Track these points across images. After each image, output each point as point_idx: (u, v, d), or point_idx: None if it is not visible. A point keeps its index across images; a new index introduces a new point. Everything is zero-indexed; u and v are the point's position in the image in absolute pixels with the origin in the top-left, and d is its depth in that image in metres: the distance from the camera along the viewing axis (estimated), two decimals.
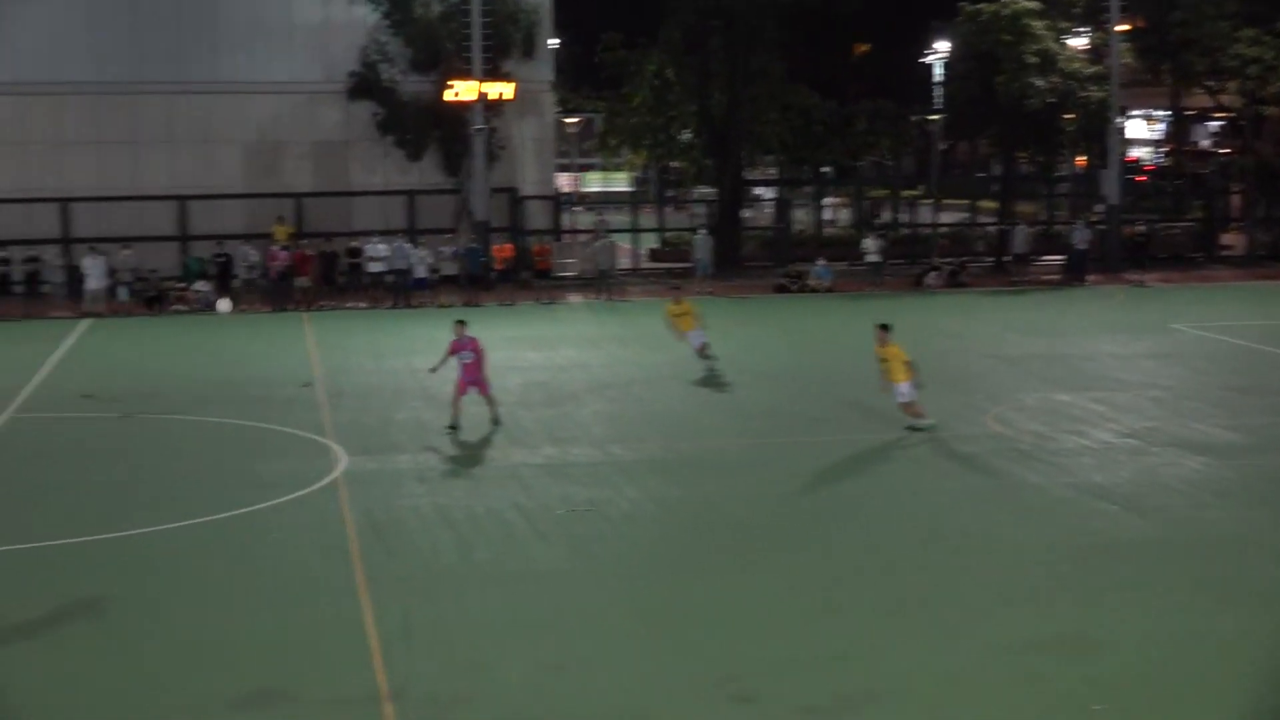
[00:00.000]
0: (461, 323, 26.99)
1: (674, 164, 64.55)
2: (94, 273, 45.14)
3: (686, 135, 59.98)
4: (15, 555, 19.18)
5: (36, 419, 28.33)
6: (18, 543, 19.64)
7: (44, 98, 50.11)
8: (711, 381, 31.21)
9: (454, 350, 26.68)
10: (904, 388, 25.67)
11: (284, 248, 47.23)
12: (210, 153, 51.60)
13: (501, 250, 49.72)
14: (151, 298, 46.06)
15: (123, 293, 45.99)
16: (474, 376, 26.56)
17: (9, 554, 19.20)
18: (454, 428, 26.25)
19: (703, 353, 31.91)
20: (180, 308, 45.76)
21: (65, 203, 50.13)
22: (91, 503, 21.88)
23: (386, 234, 48.55)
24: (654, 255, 58.20)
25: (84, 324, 42.79)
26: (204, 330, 41.52)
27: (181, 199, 50.96)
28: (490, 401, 26.92)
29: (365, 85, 51.55)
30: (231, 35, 51.26)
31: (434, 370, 27.61)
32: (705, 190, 61.09)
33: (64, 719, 13.74)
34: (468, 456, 24.53)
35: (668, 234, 60.64)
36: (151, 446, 25.98)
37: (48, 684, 14.59)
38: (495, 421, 26.74)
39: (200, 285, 46.43)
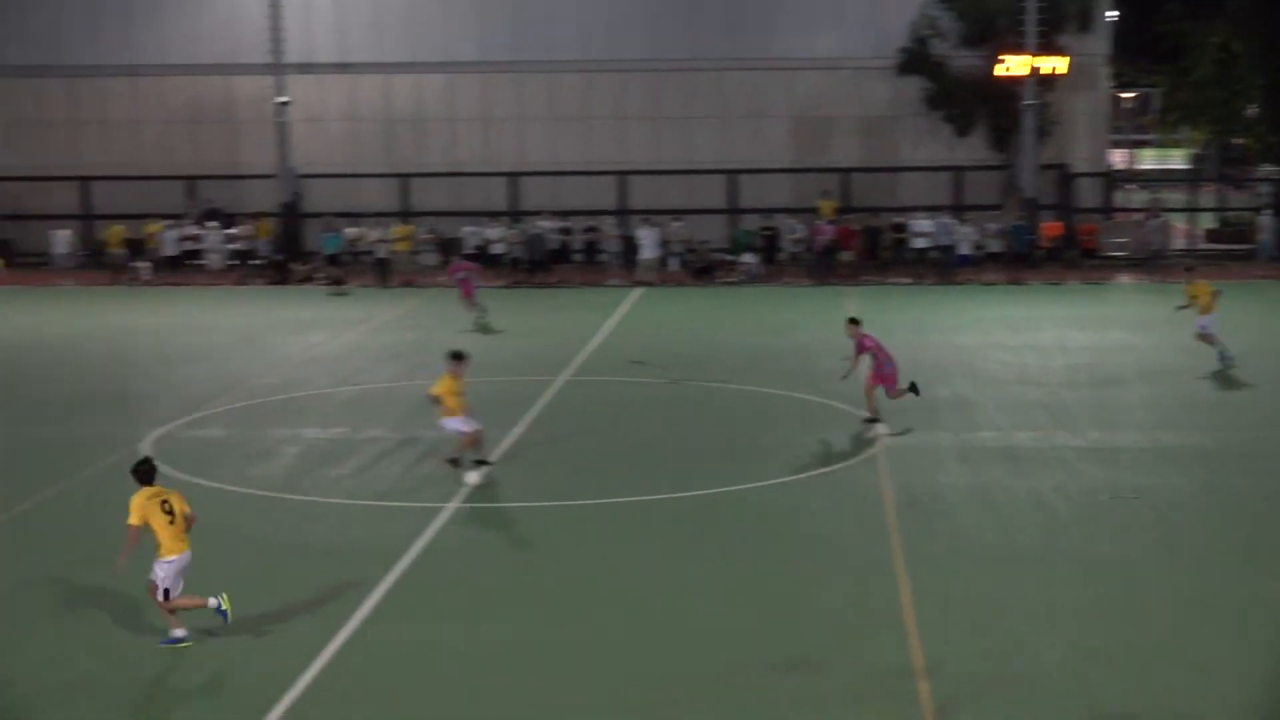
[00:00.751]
0: (853, 321, 25.40)
1: (1237, 140, 61.38)
2: (648, 243, 47.02)
3: (1252, 110, 56.85)
4: (556, 511, 20.19)
5: (590, 382, 29.71)
6: (560, 499, 20.68)
7: (607, 75, 52.46)
8: (1269, 371, 29.54)
9: (858, 349, 25.19)
10: None
11: (829, 222, 47.81)
12: (759, 128, 52.74)
13: (1049, 228, 48.63)
14: (700, 268, 47.54)
15: (673, 263, 47.75)
16: (879, 372, 24.91)
17: (553, 509, 20.24)
18: (872, 420, 24.79)
19: (1202, 337, 30.09)
20: (728, 279, 47.05)
21: (623, 175, 52.38)
22: (633, 465, 22.79)
23: (931, 210, 48.33)
24: (1211, 236, 55.50)
25: (636, 292, 44.57)
26: (750, 302, 42.48)
27: (731, 173, 52.34)
28: (893, 395, 25.03)
29: (915, 60, 51.39)
30: (783, 12, 52.12)
31: (844, 378, 25.69)
32: (1271, 168, 57.76)
33: (596, 670, 14.39)
34: (1009, 437, 24.07)
35: (1228, 214, 57.79)
36: (696, 413, 26.80)
37: (581, 634, 15.34)
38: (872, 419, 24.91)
39: (747, 257, 47.56)
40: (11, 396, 28.73)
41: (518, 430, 24.80)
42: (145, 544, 14.89)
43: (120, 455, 22.99)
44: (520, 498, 20.67)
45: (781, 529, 19.17)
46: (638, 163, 52.45)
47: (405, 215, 51.12)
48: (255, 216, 50.93)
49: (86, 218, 53.29)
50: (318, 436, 24.58)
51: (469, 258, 47.50)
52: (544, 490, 21.08)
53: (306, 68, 51.92)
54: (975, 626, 15.28)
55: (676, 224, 48.53)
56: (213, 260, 49.69)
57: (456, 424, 21.39)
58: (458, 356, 21.81)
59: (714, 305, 42.01)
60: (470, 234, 49.33)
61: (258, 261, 49.39)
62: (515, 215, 51.35)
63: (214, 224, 50.46)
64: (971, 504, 20.02)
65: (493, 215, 50.73)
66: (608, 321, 38.00)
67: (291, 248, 50.26)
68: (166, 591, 14.77)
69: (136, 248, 49.20)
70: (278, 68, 50.57)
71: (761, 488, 21.16)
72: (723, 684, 13.83)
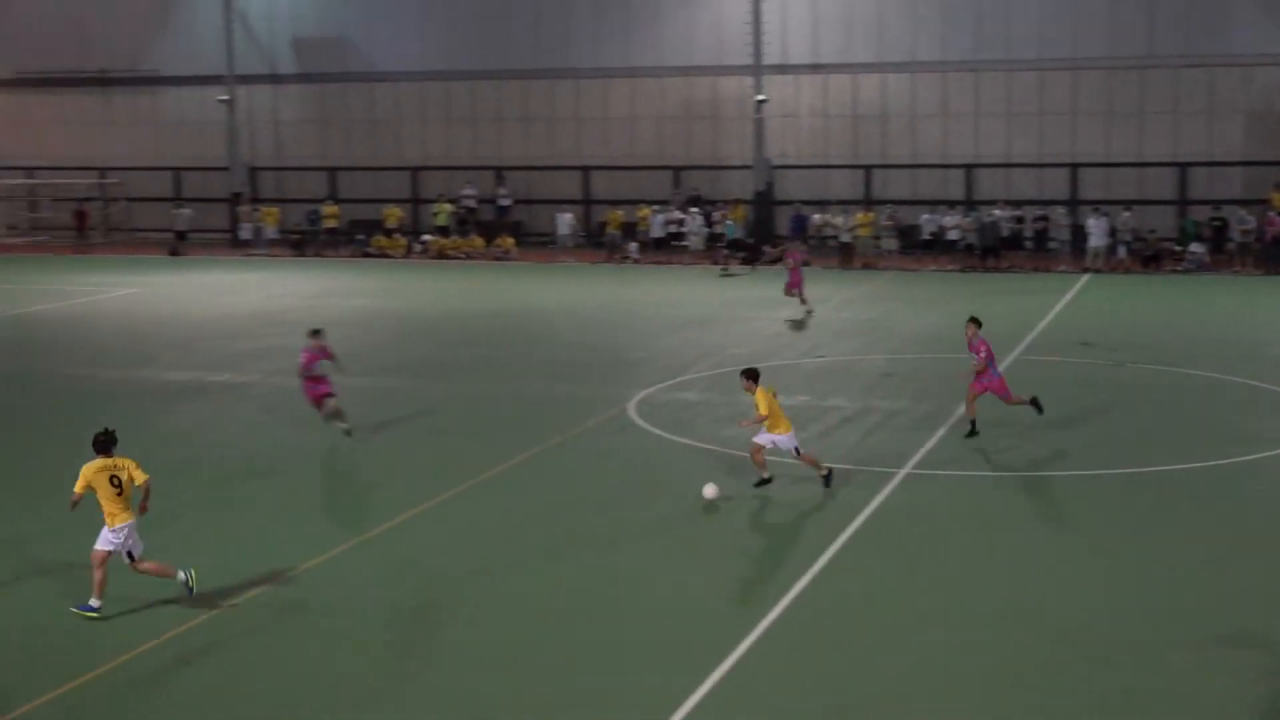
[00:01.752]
0: (974, 321, 22.07)
1: None
2: (1096, 232, 45.58)
3: None
4: (998, 481, 19.80)
5: (1038, 361, 28.99)
6: (1004, 469, 20.29)
7: (1063, 72, 50.84)
8: None
9: (970, 348, 22.04)
10: None
11: (1279, 213, 45.10)
12: (1213, 122, 49.98)
13: None
14: (1148, 257, 45.67)
15: (1121, 251, 46.03)
16: (984, 379, 21.71)
17: (995, 479, 19.87)
18: (971, 432, 21.85)
19: None
20: (1175, 267, 45.05)
21: (1075, 168, 50.77)
22: (1077, 441, 22.06)
23: None
24: None
25: (1084, 278, 43.21)
26: (1196, 290, 40.58)
27: (1182, 165, 49.91)
28: (1010, 401, 21.99)
29: None
30: (1242, 8, 49.06)
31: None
32: None
33: (1024, 631, 14.08)
34: None
35: None
36: (1142, 394, 25.78)
37: (1013, 598, 15.04)
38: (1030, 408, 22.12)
39: (1195, 247, 45.39)
40: (520, 358, 30.28)
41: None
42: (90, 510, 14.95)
43: (612, 413, 23.98)
44: (965, 466, 20.40)
45: (1223, 509, 18.27)
46: (1089, 155, 50.71)
47: (867, 203, 51.10)
48: (732, 203, 51.92)
49: (586, 203, 55.53)
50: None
51: (924, 244, 47.37)
52: (989, 460, 20.74)
53: (783, 68, 52.54)
54: None
55: (1126, 214, 46.71)
56: (693, 242, 50.88)
57: (768, 438, 18.97)
58: (744, 374, 19.30)
59: (1161, 292, 40.30)
60: (927, 221, 49.01)
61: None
62: (970, 204, 50.55)
63: (695, 210, 51.70)
64: None
65: (949, 204, 50.16)
66: (1056, 305, 36.99)
67: (763, 232, 50.99)
68: (130, 554, 14.47)
69: (629, 230, 51.01)
70: (758, 69, 51.47)
71: (1204, 468, 20.22)
72: (1149, 652, 13.30)
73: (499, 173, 56.30)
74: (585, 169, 55.72)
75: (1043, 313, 35.43)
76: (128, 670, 13.07)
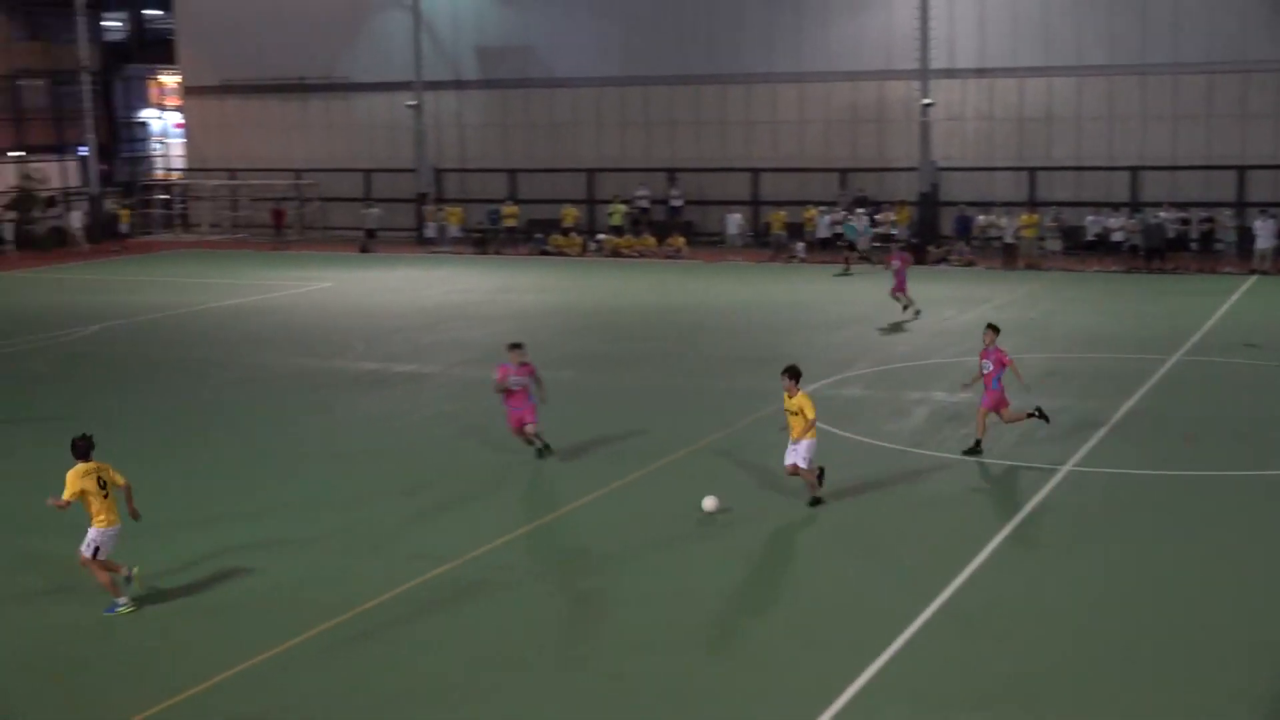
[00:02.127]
0: (991, 328, 20.83)
1: None
2: (1264, 233, 44.13)
3: None
4: (1158, 480, 19.36)
5: (1202, 362, 28.27)
6: (1164, 468, 19.81)
7: (1230, 75, 49.32)
8: None
9: (984, 356, 20.76)
10: None
11: None
12: None
13: None
14: None
15: None
16: (990, 390, 20.44)
17: (1156, 478, 19.44)
18: (974, 450, 20.48)
19: None
20: None
21: (1242, 170, 49.25)
22: (1238, 441, 21.47)
23: None
24: None
25: (1250, 280, 41.91)
26: None
27: None
28: (1008, 418, 20.64)
29: None
30: None
31: (967, 386, 21.82)
32: None
33: (1184, 626, 13.77)
34: None
35: None
36: None
37: (1172, 595, 14.68)
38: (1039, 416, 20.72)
39: None
40: (689, 353, 30.42)
41: (1130, 403, 23.98)
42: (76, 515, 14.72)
43: (773, 408, 23.94)
44: (1127, 465, 19.99)
45: None
46: (1258, 158, 49.07)
47: (1031, 205, 50.19)
48: (897, 204, 51.43)
49: (754, 204, 55.47)
50: (945, 400, 24.65)
51: (1088, 246, 46.40)
52: (1150, 459, 20.29)
53: (949, 73, 51.84)
54: None
55: None
56: (859, 243, 50.49)
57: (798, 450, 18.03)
58: (787, 374, 18.22)
59: None
60: (1092, 223, 47.98)
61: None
62: (1135, 206, 49.35)
63: (861, 210, 51.30)
64: None
65: (1114, 206, 49.03)
66: (1221, 307, 35.95)
67: (928, 232, 50.42)
68: (96, 549, 14.21)
69: (795, 230, 50.85)
70: (924, 73, 50.84)
71: None
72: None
73: (671, 174, 56.51)
74: (754, 170, 55.66)
75: (1208, 314, 34.48)
76: (319, 641, 13.50)
